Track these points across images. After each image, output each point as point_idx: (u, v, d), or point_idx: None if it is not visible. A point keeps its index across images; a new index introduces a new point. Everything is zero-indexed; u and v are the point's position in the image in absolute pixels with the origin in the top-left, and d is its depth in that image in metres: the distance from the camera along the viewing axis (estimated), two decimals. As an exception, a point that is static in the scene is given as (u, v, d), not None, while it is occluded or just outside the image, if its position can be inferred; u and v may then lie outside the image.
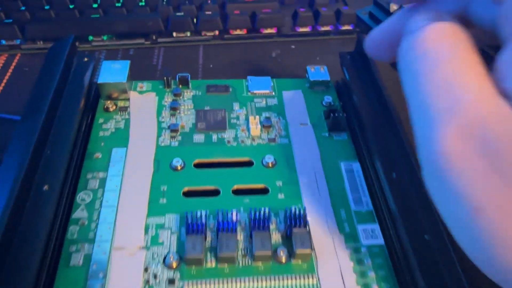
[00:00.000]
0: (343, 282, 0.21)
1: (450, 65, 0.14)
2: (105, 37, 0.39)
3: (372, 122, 0.26)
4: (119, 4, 0.41)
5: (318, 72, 0.30)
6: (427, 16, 0.16)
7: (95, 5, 0.40)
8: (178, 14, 0.39)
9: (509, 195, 0.12)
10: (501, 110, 0.13)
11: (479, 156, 0.12)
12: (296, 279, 0.21)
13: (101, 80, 0.28)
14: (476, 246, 0.13)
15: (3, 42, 0.38)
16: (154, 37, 0.39)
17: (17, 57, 0.38)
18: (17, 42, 0.38)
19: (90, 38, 0.39)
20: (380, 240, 0.22)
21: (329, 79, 0.30)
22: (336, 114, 0.27)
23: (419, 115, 0.14)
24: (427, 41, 0.15)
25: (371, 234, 0.23)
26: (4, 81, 0.36)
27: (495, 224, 0.12)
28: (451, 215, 0.14)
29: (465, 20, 0.16)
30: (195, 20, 0.39)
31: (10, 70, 0.37)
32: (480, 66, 0.14)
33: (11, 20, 0.38)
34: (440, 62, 0.14)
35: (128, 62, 0.29)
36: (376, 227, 0.23)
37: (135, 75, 0.30)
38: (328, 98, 0.29)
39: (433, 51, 0.14)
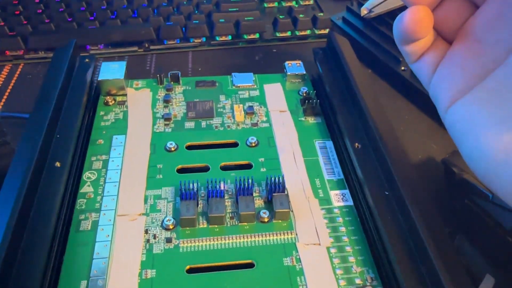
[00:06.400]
0: (318, 236, 0.24)
1: None
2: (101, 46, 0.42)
3: (342, 107, 0.30)
4: (114, 16, 0.44)
5: (294, 67, 0.34)
6: None
7: (91, 17, 0.44)
8: (168, 23, 0.43)
9: None
10: None
11: None
12: (277, 235, 0.24)
13: (101, 77, 0.31)
14: None
15: (8, 52, 0.41)
16: (146, 45, 0.43)
17: (21, 66, 0.42)
18: (21, 52, 0.42)
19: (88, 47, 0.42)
20: (350, 202, 0.26)
21: (304, 72, 0.34)
22: (310, 101, 0.31)
23: None
24: None
25: (342, 198, 0.26)
26: (10, 87, 0.39)
27: None
28: None
29: None
30: (184, 28, 0.43)
31: (15, 78, 0.41)
32: None
33: (14, 33, 0.42)
34: None
35: (125, 62, 0.32)
36: (346, 192, 0.26)
37: (131, 78, 0.34)
38: (304, 89, 0.33)
39: None
